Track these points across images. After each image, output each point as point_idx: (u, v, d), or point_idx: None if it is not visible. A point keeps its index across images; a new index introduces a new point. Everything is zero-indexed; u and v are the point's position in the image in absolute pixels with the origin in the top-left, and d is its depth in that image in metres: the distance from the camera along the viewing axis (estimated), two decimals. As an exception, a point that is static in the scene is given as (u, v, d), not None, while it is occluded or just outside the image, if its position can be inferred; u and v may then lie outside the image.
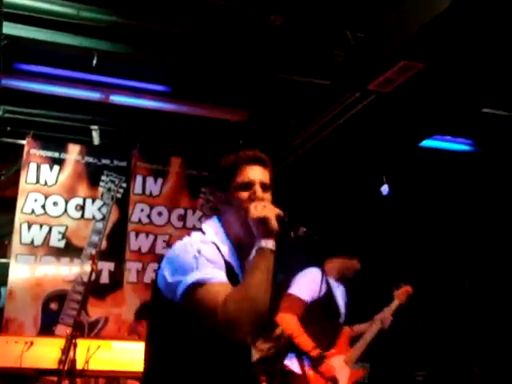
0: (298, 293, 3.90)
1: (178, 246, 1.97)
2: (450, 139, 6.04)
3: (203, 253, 1.88)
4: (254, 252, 1.89)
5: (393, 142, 5.54)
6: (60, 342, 3.70)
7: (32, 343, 3.79)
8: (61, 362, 3.59)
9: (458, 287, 6.13)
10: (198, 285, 1.81)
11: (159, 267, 1.98)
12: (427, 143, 5.98)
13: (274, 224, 1.87)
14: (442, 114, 5.05)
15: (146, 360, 2.00)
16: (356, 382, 4.04)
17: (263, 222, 1.87)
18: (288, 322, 3.75)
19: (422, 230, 6.31)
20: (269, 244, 1.86)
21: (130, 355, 3.93)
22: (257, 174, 2.03)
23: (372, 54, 4.34)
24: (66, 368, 3.56)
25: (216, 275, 1.84)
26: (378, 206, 6.20)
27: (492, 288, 6.07)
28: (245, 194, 1.99)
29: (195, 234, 2.02)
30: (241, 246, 2.02)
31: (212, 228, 2.06)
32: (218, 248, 1.97)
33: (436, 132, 5.56)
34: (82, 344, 3.70)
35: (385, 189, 5.99)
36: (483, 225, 6.21)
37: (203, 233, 2.04)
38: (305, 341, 3.77)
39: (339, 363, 3.93)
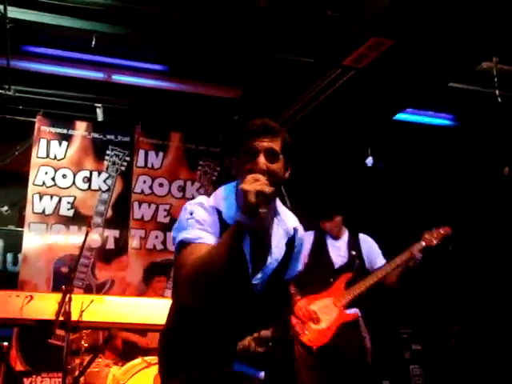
0: None
1: (183, 206, 1.98)
2: (432, 114, 6.02)
3: (194, 215, 1.89)
4: None
5: (372, 115, 5.53)
6: (57, 297, 3.74)
7: (32, 297, 3.88)
8: (57, 314, 3.70)
9: (441, 252, 6.14)
10: (182, 244, 1.86)
11: None
12: (411, 118, 5.98)
13: (251, 199, 1.71)
14: (413, 88, 5.03)
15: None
16: (345, 322, 3.95)
17: (244, 195, 1.73)
18: None
19: (405, 199, 6.32)
20: (241, 218, 1.75)
21: (120, 308, 4.04)
22: (263, 143, 1.88)
23: (346, 31, 4.36)
24: (61, 319, 3.67)
25: (202, 236, 1.84)
26: (364, 176, 6.22)
27: (471, 254, 6.07)
28: (248, 164, 1.87)
29: (200, 197, 2.00)
30: None
31: (224, 191, 2.01)
32: (220, 212, 1.93)
33: (410, 105, 5.53)
34: (77, 298, 3.78)
35: (369, 161, 5.99)
36: (462, 194, 6.20)
37: (209, 196, 2.01)
38: None
39: (325, 304, 3.98)
